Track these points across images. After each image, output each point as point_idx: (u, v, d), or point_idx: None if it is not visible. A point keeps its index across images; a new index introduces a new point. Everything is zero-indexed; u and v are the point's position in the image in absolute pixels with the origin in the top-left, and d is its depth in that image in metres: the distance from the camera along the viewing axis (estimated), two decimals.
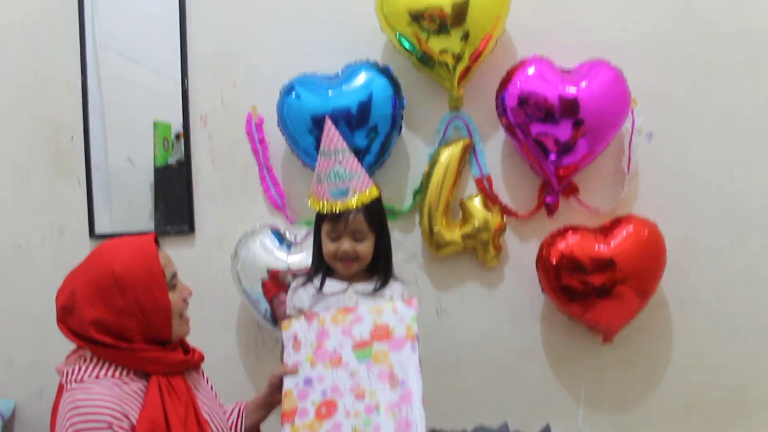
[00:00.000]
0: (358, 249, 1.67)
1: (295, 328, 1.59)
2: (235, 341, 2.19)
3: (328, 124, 1.70)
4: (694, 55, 2.06)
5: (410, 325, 1.55)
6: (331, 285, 1.70)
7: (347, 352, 1.53)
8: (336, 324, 1.56)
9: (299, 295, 1.71)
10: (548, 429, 2.06)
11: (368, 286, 1.70)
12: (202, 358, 1.50)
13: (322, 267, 1.73)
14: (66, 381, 1.31)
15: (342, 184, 1.66)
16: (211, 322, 2.10)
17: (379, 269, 1.73)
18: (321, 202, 1.68)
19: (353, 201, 1.65)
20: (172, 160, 2.19)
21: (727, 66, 2.05)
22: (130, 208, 2.21)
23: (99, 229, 2.18)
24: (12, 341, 2.24)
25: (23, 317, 2.23)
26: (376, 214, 1.69)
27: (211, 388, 1.56)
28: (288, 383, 1.53)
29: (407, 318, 1.56)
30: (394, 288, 1.72)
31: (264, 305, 1.98)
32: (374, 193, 1.68)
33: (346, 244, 1.66)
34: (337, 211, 1.65)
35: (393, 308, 1.56)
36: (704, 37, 2.05)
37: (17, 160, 2.22)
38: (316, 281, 1.71)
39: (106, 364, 1.33)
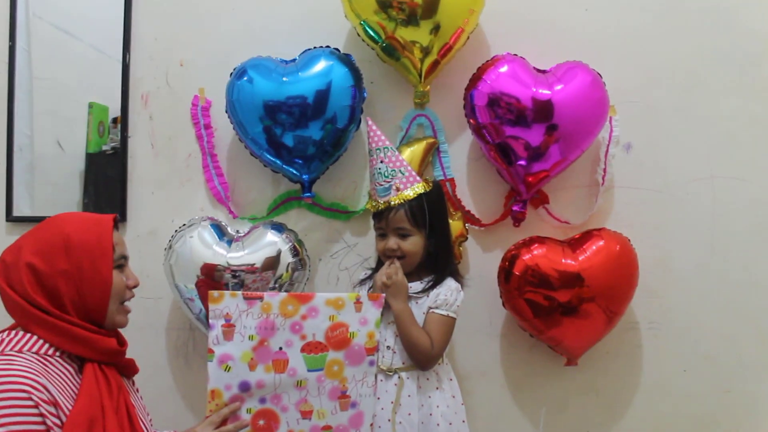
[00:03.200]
0: (402, 246, 1.78)
1: (227, 305, 1.45)
2: (163, 344, 2.16)
3: (370, 124, 1.85)
4: (679, 65, 2.12)
5: (372, 331, 1.50)
6: None
7: (295, 355, 1.46)
8: (285, 316, 1.46)
9: (361, 289, 1.87)
10: None
11: (416, 286, 1.80)
12: (136, 369, 1.51)
13: (379, 265, 1.86)
14: None
15: (385, 181, 1.79)
16: (138, 322, 1.97)
17: (432, 268, 1.83)
18: (371, 202, 1.86)
19: (394, 198, 1.77)
20: (106, 147, 2.17)
21: (713, 78, 2.10)
22: (55, 192, 2.18)
23: (17, 211, 2.15)
24: None
25: None
26: (420, 211, 1.77)
27: (141, 398, 1.54)
28: (217, 380, 1.42)
29: (370, 320, 1.50)
30: (445, 286, 1.79)
31: (198, 305, 1.94)
32: (418, 190, 1.78)
33: (390, 242, 1.79)
34: (381, 209, 1.80)
35: (356, 302, 1.51)
36: (690, 46, 2.11)
37: None
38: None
39: (33, 338, 1.32)
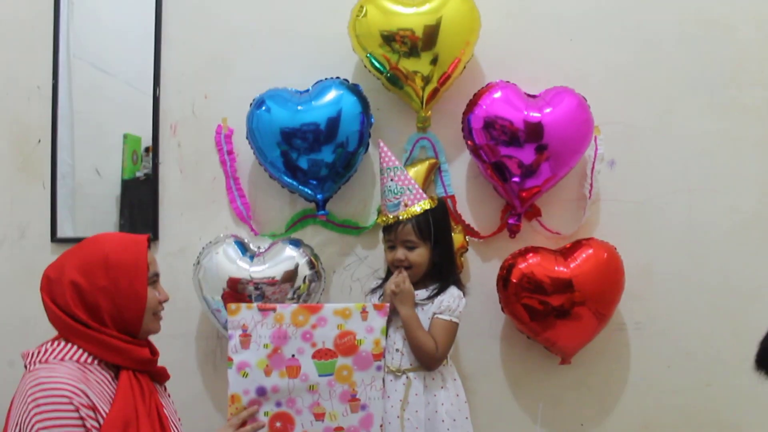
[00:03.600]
0: (410, 257, 1.85)
1: (244, 317, 1.49)
2: (193, 351, 2.21)
3: (382, 146, 1.90)
4: (656, 89, 2.16)
5: (378, 339, 1.52)
6: None
7: (307, 361, 1.48)
8: (296, 326, 1.49)
9: (371, 297, 1.94)
10: None
11: (421, 294, 1.87)
12: (167, 375, 1.57)
13: (389, 275, 1.92)
14: (29, 362, 1.36)
15: (395, 198, 1.86)
16: (170, 331, 2.01)
17: (436, 277, 1.89)
18: (381, 217, 1.92)
19: (403, 213, 1.84)
20: (140, 174, 2.23)
21: (687, 101, 2.16)
22: (95, 215, 2.23)
23: (61, 233, 2.20)
24: None
25: None
26: (426, 225, 1.85)
27: (173, 403, 1.59)
28: (236, 385, 1.46)
29: (376, 328, 1.53)
30: (448, 293, 1.86)
31: (225, 315, 1.96)
32: (425, 206, 1.85)
33: (398, 253, 1.86)
34: (390, 223, 1.87)
35: (362, 311, 1.53)
36: (665, 70, 2.16)
37: None
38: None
39: (74, 348, 1.38)
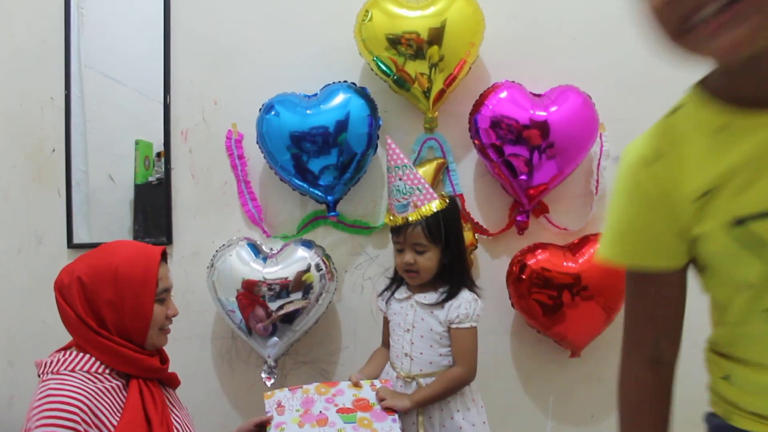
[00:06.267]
0: (419, 261, 1.71)
1: (278, 397, 1.64)
2: (209, 352, 2.21)
3: (390, 142, 1.76)
4: (656, 85, 2.02)
5: None
6: (401, 292, 1.81)
7: (332, 414, 1.59)
8: (320, 394, 1.64)
9: (380, 300, 1.86)
10: None
11: (431, 296, 1.73)
12: (178, 381, 1.56)
13: (397, 276, 1.84)
14: (42, 372, 1.34)
15: (404, 198, 1.72)
16: (186, 332, 2.12)
17: (446, 278, 1.75)
18: (388, 216, 1.79)
19: (412, 215, 1.70)
20: (152, 178, 2.23)
21: None
22: (109, 221, 2.23)
23: (77, 239, 2.20)
24: None
25: None
26: (436, 227, 1.69)
27: (184, 408, 1.57)
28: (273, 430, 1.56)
29: None
30: (461, 299, 1.71)
31: (239, 316, 1.99)
32: (436, 207, 1.70)
33: (407, 256, 1.72)
34: (398, 225, 1.73)
35: (371, 385, 1.65)
36: (666, 67, 2.06)
37: None
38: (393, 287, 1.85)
39: (85, 358, 1.35)
